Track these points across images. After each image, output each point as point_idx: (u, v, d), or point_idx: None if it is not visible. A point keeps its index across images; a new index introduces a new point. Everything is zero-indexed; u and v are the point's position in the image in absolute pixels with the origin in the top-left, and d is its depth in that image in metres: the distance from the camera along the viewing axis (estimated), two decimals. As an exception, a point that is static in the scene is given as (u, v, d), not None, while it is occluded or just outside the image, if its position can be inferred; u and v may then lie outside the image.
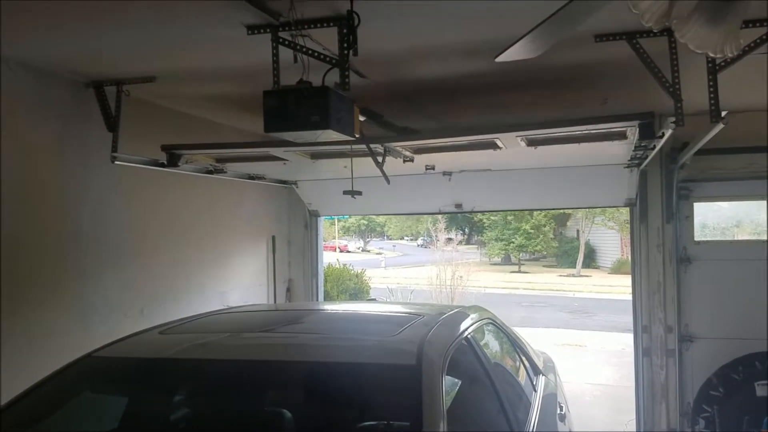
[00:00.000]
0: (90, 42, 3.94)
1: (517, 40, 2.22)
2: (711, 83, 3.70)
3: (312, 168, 6.05)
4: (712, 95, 3.69)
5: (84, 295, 4.74)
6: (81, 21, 3.52)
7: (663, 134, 4.39)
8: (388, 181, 5.13)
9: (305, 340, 3.02)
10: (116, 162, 4.59)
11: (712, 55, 1.87)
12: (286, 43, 3.50)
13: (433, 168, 6.08)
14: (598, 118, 4.38)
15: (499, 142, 4.78)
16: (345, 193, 5.14)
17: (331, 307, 4.79)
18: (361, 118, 4.52)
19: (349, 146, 4.51)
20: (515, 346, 4.35)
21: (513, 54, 2.35)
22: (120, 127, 4.72)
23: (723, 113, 3.70)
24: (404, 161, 5.15)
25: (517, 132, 4.49)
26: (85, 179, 4.75)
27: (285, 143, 4.42)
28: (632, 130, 4.45)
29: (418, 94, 5.56)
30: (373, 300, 4.80)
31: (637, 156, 5.55)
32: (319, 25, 3.44)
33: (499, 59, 2.46)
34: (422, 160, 5.53)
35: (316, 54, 3.50)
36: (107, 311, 4.93)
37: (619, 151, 5.50)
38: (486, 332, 3.96)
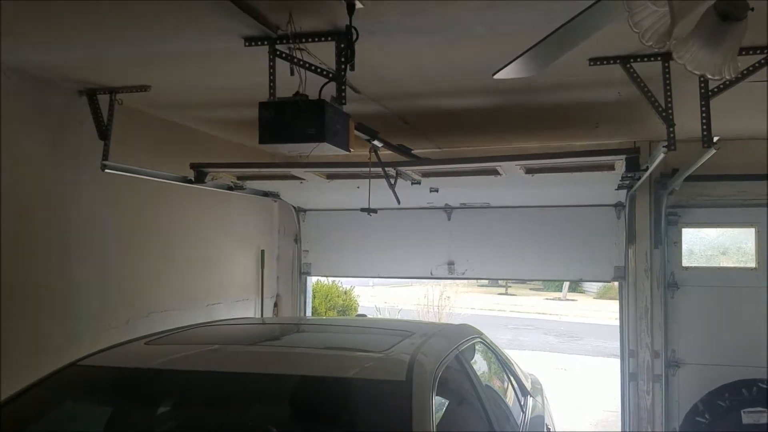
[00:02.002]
0: (85, 51, 3.92)
1: (515, 59, 2.24)
2: (704, 109, 3.73)
3: (324, 189, 6.35)
4: (704, 121, 3.73)
5: (70, 304, 4.68)
6: (77, 30, 3.51)
7: (647, 167, 4.77)
8: (399, 201, 5.38)
9: (294, 353, 2.99)
10: (106, 170, 4.55)
11: (710, 77, 1.89)
12: (284, 55, 3.51)
13: (437, 191, 6.33)
14: (588, 152, 4.84)
15: (500, 169, 5.16)
16: (362, 210, 5.29)
17: (321, 322, 4.75)
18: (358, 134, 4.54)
19: (367, 168, 4.94)
20: (504, 366, 4.33)
21: (510, 72, 2.36)
22: (112, 136, 4.69)
23: (715, 139, 3.73)
24: (412, 183, 5.55)
25: (517, 161, 4.90)
26: (76, 187, 4.72)
27: (304, 164, 5.24)
28: (620, 163, 4.83)
29: (416, 117, 5.60)
30: (363, 316, 4.77)
31: (625, 184, 5.71)
32: (317, 39, 3.45)
33: (496, 77, 2.48)
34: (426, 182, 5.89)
35: (313, 67, 3.50)
36: (93, 320, 4.87)
37: (608, 188, 5.92)
38: (476, 351, 3.94)
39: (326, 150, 3.47)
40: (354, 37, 3.15)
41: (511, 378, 4.28)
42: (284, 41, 3.47)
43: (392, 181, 5.22)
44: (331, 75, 3.41)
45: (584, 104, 5.30)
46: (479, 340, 4.09)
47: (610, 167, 5.02)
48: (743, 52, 3.70)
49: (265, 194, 6.98)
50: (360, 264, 7.47)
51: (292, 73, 3.55)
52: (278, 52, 3.52)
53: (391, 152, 5.75)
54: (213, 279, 6.43)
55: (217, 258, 6.51)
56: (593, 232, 6.79)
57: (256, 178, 6.08)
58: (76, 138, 4.70)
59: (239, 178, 6.01)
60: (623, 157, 4.69)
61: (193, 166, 5.36)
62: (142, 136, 5.38)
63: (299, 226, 7.67)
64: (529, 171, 5.28)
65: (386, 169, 5.01)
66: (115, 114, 4.70)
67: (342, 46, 3.31)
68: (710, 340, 6.54)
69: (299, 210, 7.60)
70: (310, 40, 3.46)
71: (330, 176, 5.70)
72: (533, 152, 6.84)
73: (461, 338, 3.65)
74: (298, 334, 3.55)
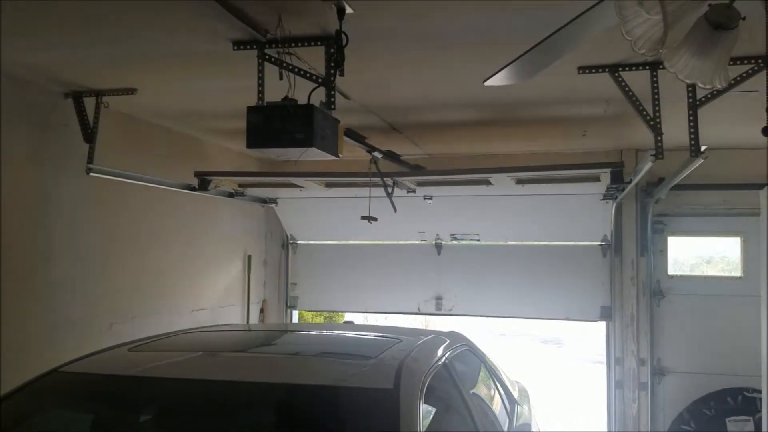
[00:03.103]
0: (70, 52, 3.86)
1: (506, 66, 2.23)
2: (691, 118, 3.75)
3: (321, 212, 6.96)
4: (692, 130, 3.74)
5: (52, 308, 4.61)
6: (61, 30, 3.46)
7: (631, 180, 5.01)
8: (395, 209, 5.56)
9: (279, 361, 2.95)
10: (91, 174, 4.50)
11: (701, 85, 1.88)
12: (272, 60, 3.48)
13: (431, 198, 6.49)
14: (574, 165, 5.13)
15: (491, 180, 5.41)
16: (363, 218, 5.39)
17: (307, 329, 4.72)
18: (346, 140, 4.52)
19: (364, 177, 5.17)
20: (491, 373, 4.31)
21: (501, 79, 2.35)
22: (97, 139, 4.64)
23: (703, 148, 3.75)
24: (408, 192, 5.80)
25: (508, 173, 5.17)
26: (59, 191, 4.65)
27: (304, 173, 5.59)
28: (605, 175, 5.04)
29: (405, 124, 5.60)
30: (351, 323, 4.75)
31: (610, 194, 5.86)
32: (306, 43, 3.43)
33: (487, 83, 2.47)
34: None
35: (302, 72, 3.48)
36: (76, 325, 4.80)
37: (595, 221, 6.47)
38: (463, 359, 3.91)
39: (317, 155, 3.45)
40: (344, 42, 3.13)
41: (498, 386, 4.26)
42: (273, 45, 3.45)
43: (389, 189, 5.40)
44: (320, 80, 3.38)
45: (572, 115, 5.34)
46: (467, 347, 4.07)
47: (596, 179, 5.25)
48: (732, 62, 3.73)
49: (264, 201, 7.09)
50: (348, 299, 7.58)
51: (281, 78, 3.52)
52: (267, 56, 3.49)
53: (387, 162, 5.85)
54: (198, 284, 6.37)
55: (203, 263, 6.45)
56: (580, 271, 6.90)
57: (258, 185, 6.29)
58: (60, 140, 4.64)
59: (241, 185, 6.24)
60: (608, 170, 4.90)
61: (197, 174, 5.59)
62: (134, 141, 5.33)
63: (288, 259, 7.73)
64: (520, 181, 5.48)
65: (384, 178, 5.23)
66: (101, 117, 4.65)
67: (332, 51, 3.29)
68: (696, 349, 6.57)
69: (291, 242, 7.66)
70: (299, 44, 3.44)
71: (329, 184, 5.92)
72: (522, 156, 6.93)
73: (449, 346, 3.62)
74: (284, 340, 3.51)
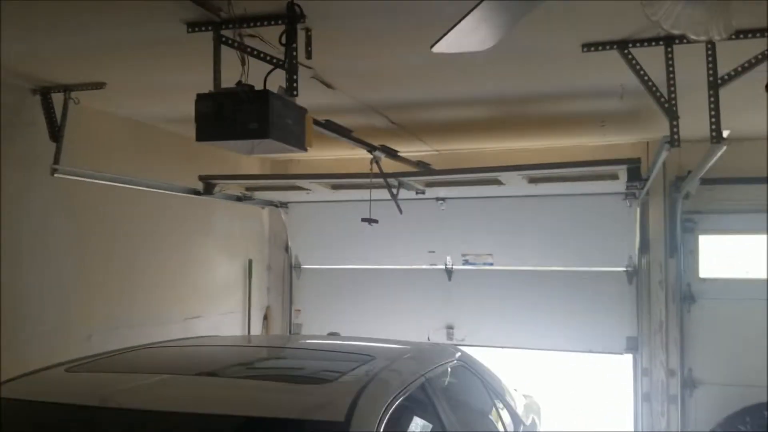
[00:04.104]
0: (32, 44, 3.64)
1: (454, 26, 1.79)
2: (712, 99, 3.26)
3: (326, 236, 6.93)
4: (713, 113, 3.25)
5: (21, 320, 4.31)
6: (21, 20, 3.20)
7: (649, 177, 4.80)
8: (401, 211, 5.40)
9: (221, 385, 2.56)
10: (56, 175, 4.18)
11: (694, 37, 1.44)
12: (229, 42, 3.10)
13: (443, 201, 6.42)
14: (589, 162, 4.81)
15: (501, 179, 5.18)
16: (363, 220, 5.20)
17: (277, 343, 4.34)
18: (326, 132, 4.14)
19: (368, 179, 5.06)
20: (490, 391, 3.86)
21: (453, 45, 1.92)
22: (65, 137, 4.35)
23: (725, 133, 3.24)
24: (417, 193, 5.61)
25: (519, 171, 4.93)
26: (27, 193, 4.36)
27: (309, 175, 5.64)
28: (623, 173, 4.80)
29: (401, 115, 5.21)
30: (336, 335, 4.35)
31: (631, 192, 5.58)
32: (266, 22, 3.05)
33: (435, 50, 2.04)
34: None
35: (262, 55, 3.09)
36: (48, 337, 4.50)
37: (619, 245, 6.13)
38: (454, 375, 3.49)
39: (276, 147, 3.06)
40: (298, 14, 2.73)
41: (498, 403, 3.82)
42: (230, 26, 3.07)
43: (394, 191, 5.26)
44: (274, 60, 2.99)
45: (587, 105, 4.92)
46: (461, 362, 3.65)
47: (614, 176, 4.95)
48: (758, 34, 3.23)
49: (275, 204, 6.92)
50: (354, 327, 7.04)
51: (243, 63, 3.14)
52: (223, 38, 3.11)
53: (396, 162, 5.61)
54: (191, 290, 6.04)
55: (197, 268, 6.12)
56: (603, 299, 6.34)
57: (263, 189, 6.15)
58: (28, 139, 4.35)
59: (247, 189, 6.13)
60: (624, 167, 4.64)
61: (201, 178, 5.53)
62: (100, 136, 5.02)
63: (291, 285, 7.33)
64: (532, 180, 5.23)
65: (388, 179, 5.08)
66: (70, 113, 4.35)
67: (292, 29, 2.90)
68: (731, 359, 5.99)
69: (296, 266, 7.29)
70: (258, 23, 3.07)
71: (335, 186, 5.77)
72: (535, 151, 6.48)
73: (433, 362, 3.22)
74: (240, 358, 3.13)
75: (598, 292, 6.33)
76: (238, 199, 6.22)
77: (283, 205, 7.04)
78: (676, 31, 1.43)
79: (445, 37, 1.91)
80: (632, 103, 4.67)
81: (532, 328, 6.45)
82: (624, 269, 6.30)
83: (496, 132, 5.96)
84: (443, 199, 6.51)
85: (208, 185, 5.65)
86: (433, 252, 6.76)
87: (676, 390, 6.16)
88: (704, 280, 6.23)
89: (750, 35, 3.23)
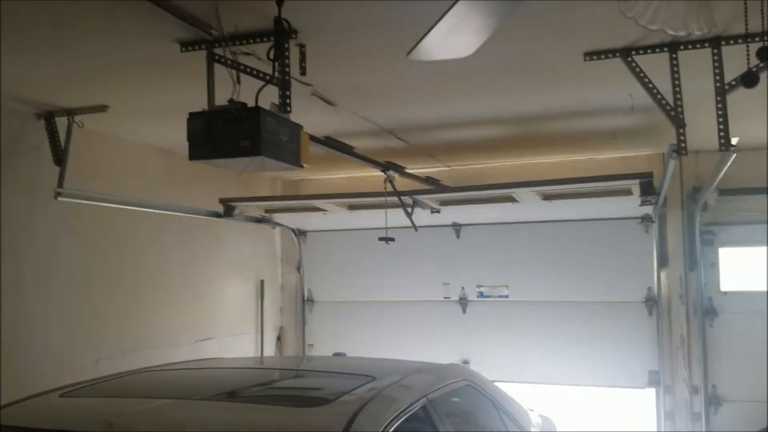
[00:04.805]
0: (33, 69, 3.67)
1: (429, 30, 1.72)
2: (719, 105, 3.15)
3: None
4: (720, 119, 3.14)
5: (25, 346, 4.29)
6: (21, 45, 3.23)
7: (660, 191, 4.74)
8: (416, 228, 5.46)
9: (216, 410, 2.48)
10: (60, 198, 4.18)
11: (672, 33, 1.35)
12: (222, 60, 3.07)
13: (459, 228, 6.49)
14: (602, 177, 4.83)
15: (515, 195, 5.15)
16: (380, 239, 5.24)
17: (279, 364, 4.26)
18: (328, 150, 4.08)
19: (384, 198, 5.12)
20: (501, 412, 3.74)
21: (430, 51, 1.85)
22: (69, 161, 4.34)
23: (734, 140, 3.13)
24: (431, 212, 5.60)
25: (532, 187, 4.93)
26: (31, 217, 4.36)
27: (325, 195, 5.70)
28: (636, 187, 4.75)
29: (408, 132, 5.17)
30: (342, 354, 4.25)
31: (646, 207, 5.42)
32: (257, 39, 3.02)
33: (412, 56, 1.97)
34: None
35: (255, 72, 3.05)
36: (54, 363, 4.46)
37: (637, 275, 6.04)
38: (460, 396, 3.38)
39: (271, 166, 3.00)
40: (286, 30, 2.69)
41: (510, 425, 3.69)
42: (222, 44, 3.04)
43: (409, 209, 5.32)
44: (267, 77, 2.95)
45: (595, 121, 4.84)
46: (468, 382, 3.53)
47: (627, 192, 4.90)
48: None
49: (295, 232, 7.03)
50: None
51: (238, 82, 3.11)
52: (216, 57, 3.09)
53: (410, 181, 5.64)
54: (202, 312, 5.99)
55: (207, 289, 6.08)
56: (622, 332, 6.16)
57: (282, 210, 6.20)
58: (31, 164, 4.36)
59: (267, 211, 6.22)
60: (637, 181, 4.62)
61: (222, 201, 5.71)
62: (106, 160, 5.03)
63: (303, 317, 7.26)
64: (546, 197, 5.19)
65: (402, 197, 5.14)
66: (73, 137, 4.35)
67: (279, 44, 2.86)
68: (756, 374, 5.76)
69: (308, 300, 7.23)
70: (249, 41, 3.03)
71: (352, 207, 5.79)
72: (548, 165, 6.37)
73: (438, 382, 3.11)
74: (239, 381, 3.05)
75: (618, 325, 6.17)
76: (258, 221, 6.34)
77: (302, 233, 7.07)
78: (653, 27, 1.35)
79: (422, 43, 1.85)
80: (644, 115, 4.59)
81: (550, 362, 6.27)
82: (643, 300, 6.15)
83: (507, 148, 5.89)
84: (459, 226, 6.50)
85: (228, 207, 5.76)
86: (448, 284, 6.68)
87: (701, 408, 5.95)
88: (726, 293, 6.04)
89: (758, 39, 3.13)
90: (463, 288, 6.66)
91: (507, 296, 6.52)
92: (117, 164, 5.08)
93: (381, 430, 2.30)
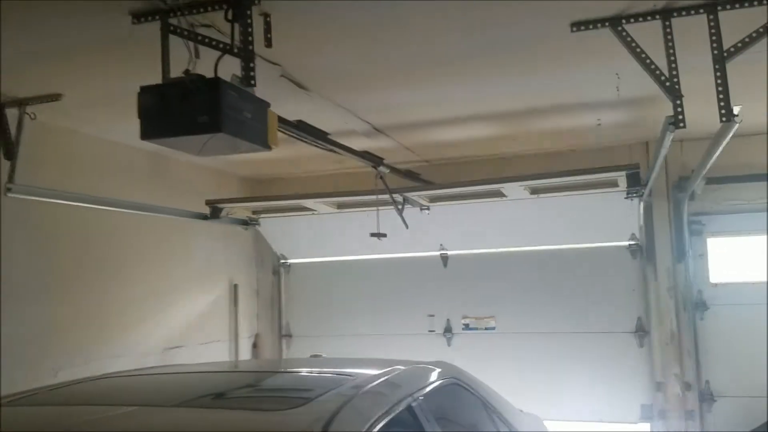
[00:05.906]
0: None
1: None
2: (718, 74, 2.93)
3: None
4: (720, 89, 2.92)
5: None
6: None
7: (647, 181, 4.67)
8: (407, 226, 5.33)
9: (170, 418, 2.19)
10: (10, 194, 3.85)
11: None
12: (177, 31, 2.80)
13: (447, 257, 6.43)
14: (590, 170, 4.79)
15: (504, 191, 5.11)
16: (372, 235, 5.11)
17: (248, 367, 3.96)
18: (299, 134, 3.81)
19: (374, 196, 5.06)
20: (490, 411, 3.49)
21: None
22: (21, 155, 4.02)
23: (736, 109, 2.91)
24: (421, 209, 5.54)
25: (521, 182, 4.96)
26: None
27: (314, 194, 5.55)
28: (623, 179, 4.75)
29: (383, 120, 4.91)
30: (318, 356, 3.98)
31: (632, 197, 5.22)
32: (213, 7, 2.74)
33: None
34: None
35: (214, 43, 2.78)
36: (8, 373, 4.11)
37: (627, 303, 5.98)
38: (447, 394, 3.12)
39: (238, 147, 2.73)
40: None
41: (499, 424, 3.45)
42: (178, 13, 2.77)
43: (400, 207, 5.24)
44: (223, 46, 2.67)
45: (582, 101, 4.64)
46: (455, 380, 3.28)
47: (614, 184, 4.88)
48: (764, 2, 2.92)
49: (243, 223, 6.51)
50: None
51: (197, 56, 2.84)
52: (171, 27, 2.81)
53: (397, 178, 5.48)
54: (170, 318, 5.67)
55: (175, 294, 5.75)
56: (612, 363, 5.98)
57: (270, 211, 6.05)
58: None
59: (254, 212, 6.05)
60: (623, 173, 4.61)
61: (208, 202, 5.53)
62: (60, 154, 4.71)
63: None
64: (534, 192, 5.16)
65: (393, 195, 5.08)
66: (25, 129, 4.03)
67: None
68: (751, 368, 5.58)
69: (284, 335, 6.97)
70: (208, 8, 2.76)
71: (341, 205, 5.70)
72: (531, 156, 6.18)
73: (422, 381, 2.86)
74: (204, 386, 2.75)
75: (608, 356, 5.99)
76: (244, 223, 6.16)
77: (285, 266, 6.95)
78: None
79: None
80: (630, 103, 4.47)
81: (538, 397, 5.89)
82: (633, 331, 5.99)
83: (490, 137, 5.64)
84: (446, 255, 6.44)
85: (215, 209, 5.55)
86: (433, 316, 6.48)
87: (694, 405, 5.74)
88: (716, 285, 5.86)
89: (756, 3, 2.93)
90: (448, 320, 6.47)
91: (494, 328, 6.34)
92: (76, 159, 4.77)
93: (364, 430, 2.04)
